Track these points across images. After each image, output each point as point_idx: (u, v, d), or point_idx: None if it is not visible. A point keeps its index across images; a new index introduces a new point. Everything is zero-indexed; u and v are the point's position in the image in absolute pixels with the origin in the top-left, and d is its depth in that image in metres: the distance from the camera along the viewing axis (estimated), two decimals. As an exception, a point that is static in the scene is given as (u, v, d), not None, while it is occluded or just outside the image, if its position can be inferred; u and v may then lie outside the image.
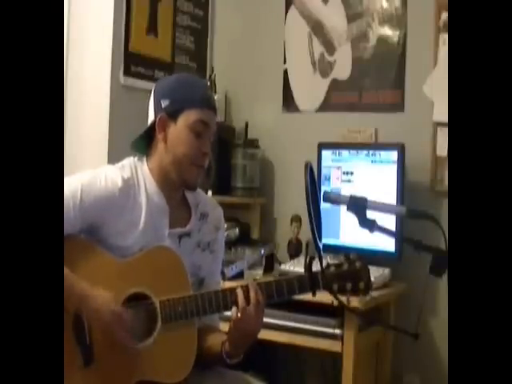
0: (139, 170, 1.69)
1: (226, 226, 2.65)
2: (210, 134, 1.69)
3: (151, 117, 1.71)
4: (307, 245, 1.70)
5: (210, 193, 2.66)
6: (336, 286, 1.62)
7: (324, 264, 1.63)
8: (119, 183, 1.63)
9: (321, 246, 1.66)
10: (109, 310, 1.53)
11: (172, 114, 1.66)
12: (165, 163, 1.68)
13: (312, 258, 1.63)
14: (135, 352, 1.56)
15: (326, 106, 2.98)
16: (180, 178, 1.68)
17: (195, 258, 1.73)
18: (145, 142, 1.73)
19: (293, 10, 3.06)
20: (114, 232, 1.62)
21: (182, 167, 1.67)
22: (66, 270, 1.46)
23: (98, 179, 1.62)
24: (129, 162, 1.71)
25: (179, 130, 1.66)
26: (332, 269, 1.63)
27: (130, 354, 1.56)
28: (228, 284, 1.97)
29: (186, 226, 1.72)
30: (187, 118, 1.66)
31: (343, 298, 1.71)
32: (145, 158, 1.72)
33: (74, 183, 1.60)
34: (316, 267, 1.63)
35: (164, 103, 1.67)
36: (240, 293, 1.58)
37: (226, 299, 1.61)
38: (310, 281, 1.62)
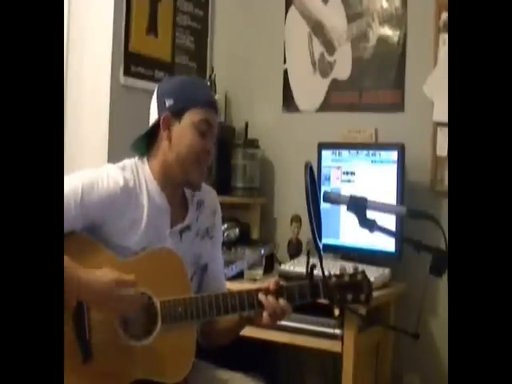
0: (140, 171, 1.70)
1: (226, 225, 2.67)
2: (213, 134, 1.70)
3: (154, 116, 1.71)
4: (308, 251, 1.70)
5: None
6: (337, 296, 1.62)
7: (325, 273, 1.64)
8: (121, 183, 1.63)
9: (321, 246, 1.66)
10: (108, 277, 1.51)
11: (176, 113, 1.67)
12: (169, 161, 1.68)
13: (313, 266, 1.63)
14: (134, 351, 1.57)
15: (326, 105, 2.98)
16: (184, 176, 1.68)
17: (195, 248, 1.74)
18: (145, 143, 1.74)
19: (293, 10, 3.06)
20: (115, 231, 1.62)
21: (186, 165, 1.67)
22: (66, 259, 1.43)
23: (100, 178, 1.62)
24: (130, 162, 1.71)
25: (184, 128, 1.66)
26: (333, 279, 1.63)
27: (128, 352, 1.56)
28: (228, 284, 1.97)
29: (185, 219, 1.73)
30: (192, 116, 1.66)
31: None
32: (145, 159, 1.73)
33: (75, 182, 1.60)
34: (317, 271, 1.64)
35: (168, 102, 1.68)
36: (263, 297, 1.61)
37: (227, 302, 1.61)
38: (311, 289, 1.62)
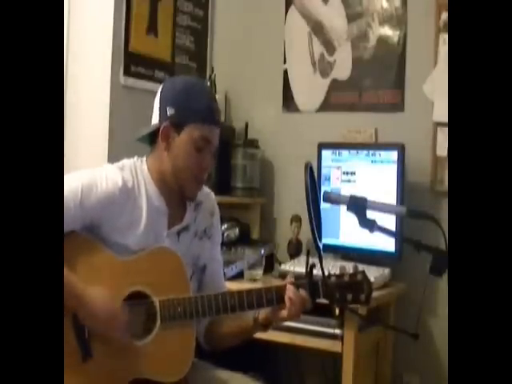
0: (139, 172, 1.69)
1: (226, 225, 2.67)
2: (211, 149, 1.70)
3: (155, 118, 1.70)
4: (308, 251, 1.70)
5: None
6: (337, 296, 1.62)
7: (325, 273, 1.64)
8: (119, 183, 1.63)
9: (321, 246, 1.66)
10: (105, 310, 1.53)
11: (176, 125, 1.66)
12: (165, 171, 1.69)
13: (313, 266, 1.63)
14: (133, 350, 1.57)
15: (325, 105, 2.98)
16: (179, 188, 1.69)
17: (193, 248, 1.74)
18: (149, 138, 1.73)
19: (293, 10, 3.06)
20: (112, 230, 1.62)
21: (181, 179, 1.68)
22: (65, 270, 1.45)
23: (99, 179, 1.62)
24: (129, 162, 1.71)
25: (182, 143, 1.66)
26: (333, 279, 1.63)
27: (128, 351, 1.57)
28: (228, 284, 1.97)
29: (183, 220, 1.73)
30: (191, 132, 1.65)
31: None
32: (144, 158, 1.73)
33: (75, 182, 1.60)
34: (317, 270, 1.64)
35: (170, 111, 1.66)
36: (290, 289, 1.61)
37: (226, 302, 1.61)
38: (311, 289, 1.62)
